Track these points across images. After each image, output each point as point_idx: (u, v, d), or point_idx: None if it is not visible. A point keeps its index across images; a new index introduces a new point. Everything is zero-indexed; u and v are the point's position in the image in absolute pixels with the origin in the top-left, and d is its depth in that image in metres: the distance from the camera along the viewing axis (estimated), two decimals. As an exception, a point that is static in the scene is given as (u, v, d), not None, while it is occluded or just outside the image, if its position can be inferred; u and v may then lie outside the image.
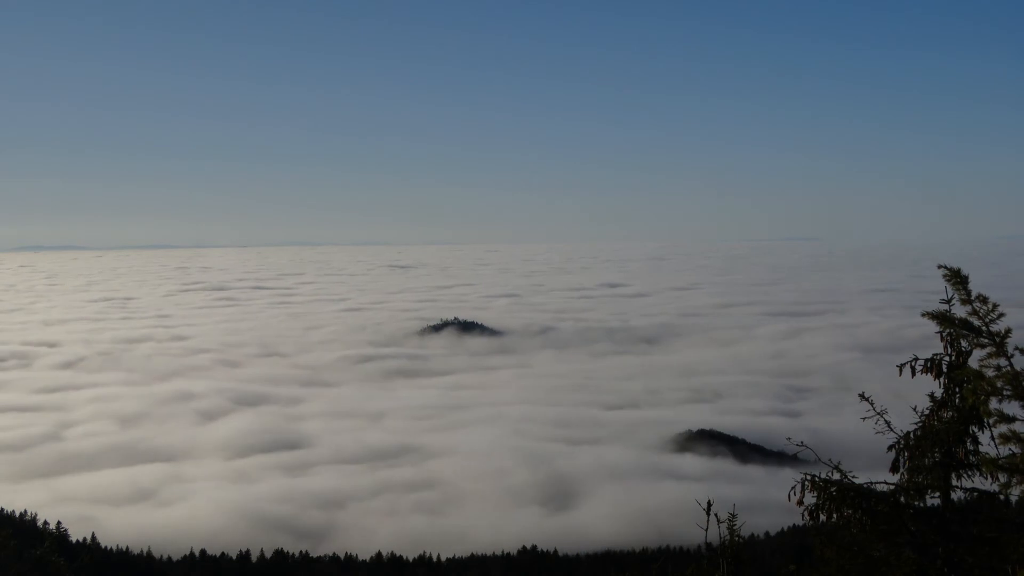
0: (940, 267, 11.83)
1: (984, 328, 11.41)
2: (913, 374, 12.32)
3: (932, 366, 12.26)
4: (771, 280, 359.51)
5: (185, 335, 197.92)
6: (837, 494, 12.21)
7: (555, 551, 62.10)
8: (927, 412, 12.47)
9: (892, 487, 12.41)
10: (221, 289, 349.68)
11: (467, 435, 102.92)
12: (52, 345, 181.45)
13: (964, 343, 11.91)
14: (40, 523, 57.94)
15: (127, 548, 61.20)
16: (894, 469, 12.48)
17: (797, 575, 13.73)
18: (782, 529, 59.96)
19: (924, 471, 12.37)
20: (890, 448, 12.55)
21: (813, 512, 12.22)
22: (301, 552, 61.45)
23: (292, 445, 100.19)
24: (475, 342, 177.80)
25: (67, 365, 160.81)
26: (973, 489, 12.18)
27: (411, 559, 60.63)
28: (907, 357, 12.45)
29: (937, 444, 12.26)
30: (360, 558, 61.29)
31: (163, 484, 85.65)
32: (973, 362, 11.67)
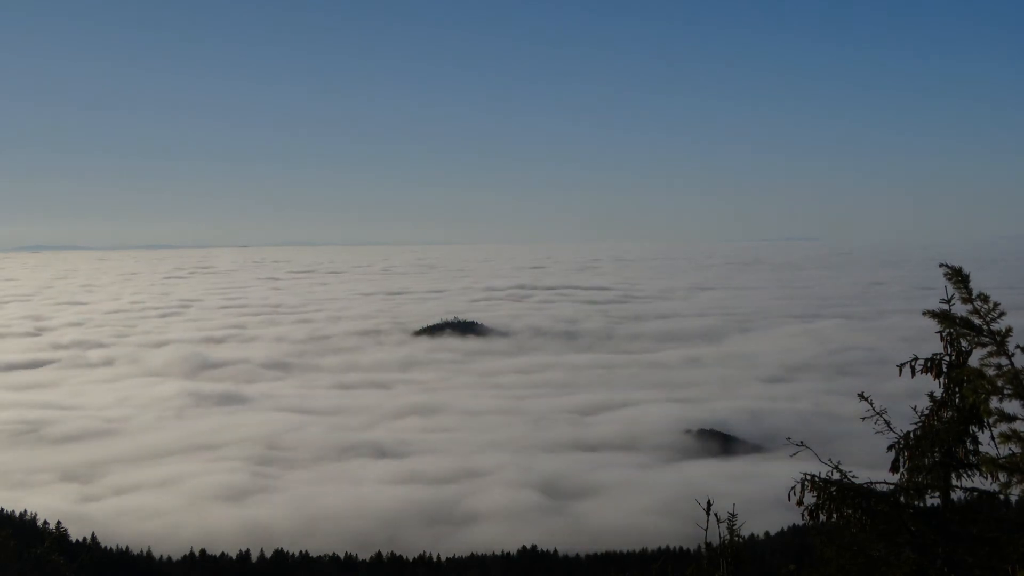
0: (941, 266, 11.82)
1: (985, 327, 11.40)
2: (913, 374, 12.30)
3: (932, 366, 12.24)
4: (774, 280, 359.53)
5: (203, 336, 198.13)
6: (837, 494, 12.19)
7: (555, 551, 62.10)
8: (927, 412, 12.45)
9: (892, 487, 12.39)
10: (229, 289, 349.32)
11: (467, 435, 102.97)
12: (79, 345, 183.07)
13: (964, 342, 11.89)
14: (40, 523, 57.90)
15: (127, 548, 61.22)
16: (894, 469, 12.46)
17: (797, 575, 13.70)
18: (782, 529, 59.93)
19: (924, 471, 12.34)
20: (890, 448, 12.53)
21: (813, 512, 12.20)
22: (301, 552, 61.44)
23: (292, 442, 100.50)
24: (474, 342, 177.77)
25: (98, 362, 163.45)
26: (973, 489, 12.16)
27: (411, 559, 60.63)
28: (907, 356, 12.44)
29: (937, 444, 12.24)
30: (360, 558, 61.29)
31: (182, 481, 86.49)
32: (973, 361, 11.65)
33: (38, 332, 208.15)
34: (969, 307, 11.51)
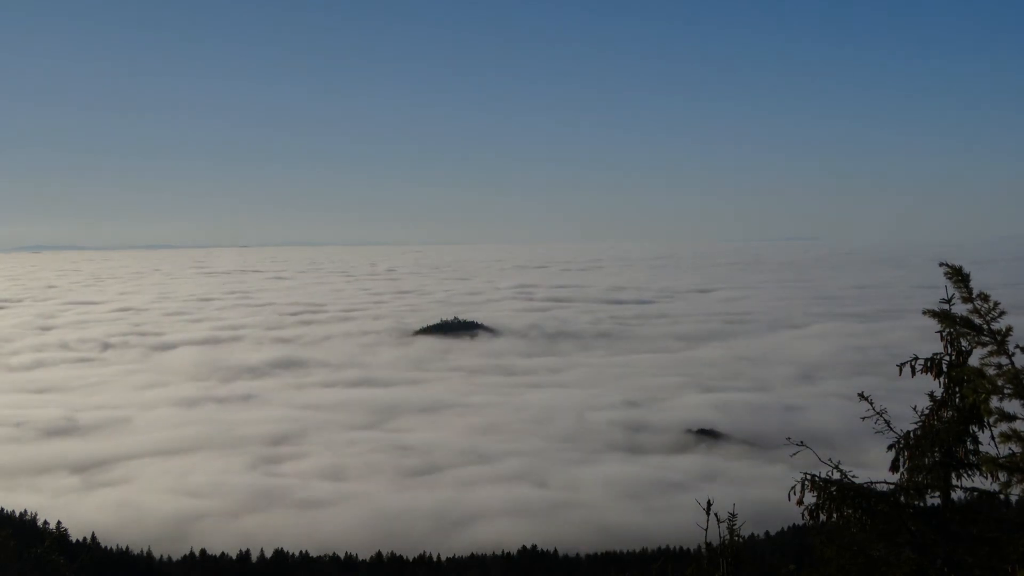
0: (941, 265, 11.78)
1: (985, 326, 11.36)
2: (913, 373, 12.27)
3: (932, 365, 12.20)
4: (777, 280, 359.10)
5: (209, 335, 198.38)
6: (837, 494, 12.16)
7: (555, 551, 62.08)
8: (927, 412, 12.42)
9: (892, 487, 12.36)
10: (233, 289, 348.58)
11: (468, 434, 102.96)
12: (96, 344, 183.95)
13: (964, 342, 11.85)
14: (40, 523, 57.95)
15: (127, 548, 61.24)
16: (894, 469, 12.43)
17: (797, 575, 13.67)
18: (782, 529, 59.88)
19: (924, 471, 12.31)
20: (890, 448, 12.50)
21: (813, 512, 12.16)
22: (301, 552, 61.45)
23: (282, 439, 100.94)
24: (476, 342, 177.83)
25: (104, 361, 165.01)
26: (973, 489, 12.12)
27: (411, 559, 60.63)
28: (907, 357, 12.41)
29: (937, 444, 12.21)
30: (360, 558, 61.29)
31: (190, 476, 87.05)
32: (974, 361, 11.62)
33: (44, 332, 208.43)
34: (969, 306, 11.47)
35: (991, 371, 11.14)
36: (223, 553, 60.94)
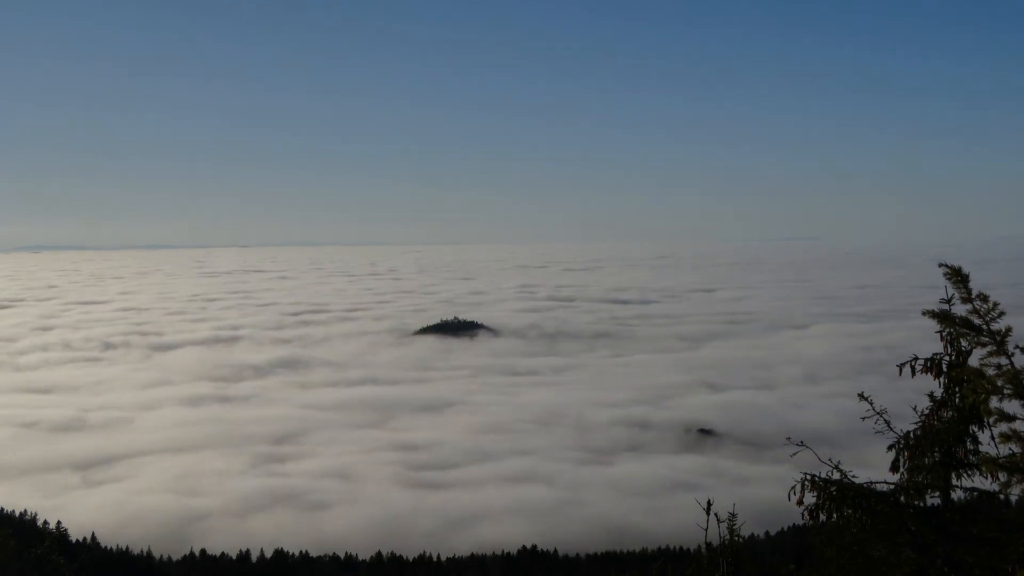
0: (941, 265, 11.77)
1: (985, 327, 11.35)
2: (913, 374, 12.25)
3: (932, 365, 12.19)
4: (778, 280, 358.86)
5: (211, 335, 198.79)
6: (837, 494, 12.14)
7: (555, 551, 62.09)
8: (927, 412, 12.41)
9: (892, 487, 12.35)
10: (234, 289, 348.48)
11: (467, 434, 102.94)
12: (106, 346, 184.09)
13: (964, 342, 11.84)
14: (40, 523, 57.96)
15: (127, 548, 61.25)
16: (894, 469, 12.42)
17: (797, 575, 13.66)
18: (782, 529, 59.89)
19: (924, 471, 12.30)
20: (890, 448, 12.49)
21: (813, 512, 12.15)
22: (301, 552, 61.45)
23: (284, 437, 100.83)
24: (476, 341, 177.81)
25: (106, 361, 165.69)
26: (973, 489, 12.11)
27: (411, 559, 60.62)
28: (907, 357, 12.39)
29: (937, 444, 12.20)
30: (360, 558, 61.29)
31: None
32: (973, 361, 11.60)
33: (46, 332, 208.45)
34: (969, 307, 11.46)
35: (991, 371, 11.12)
36: (223, 553, 60.96)
